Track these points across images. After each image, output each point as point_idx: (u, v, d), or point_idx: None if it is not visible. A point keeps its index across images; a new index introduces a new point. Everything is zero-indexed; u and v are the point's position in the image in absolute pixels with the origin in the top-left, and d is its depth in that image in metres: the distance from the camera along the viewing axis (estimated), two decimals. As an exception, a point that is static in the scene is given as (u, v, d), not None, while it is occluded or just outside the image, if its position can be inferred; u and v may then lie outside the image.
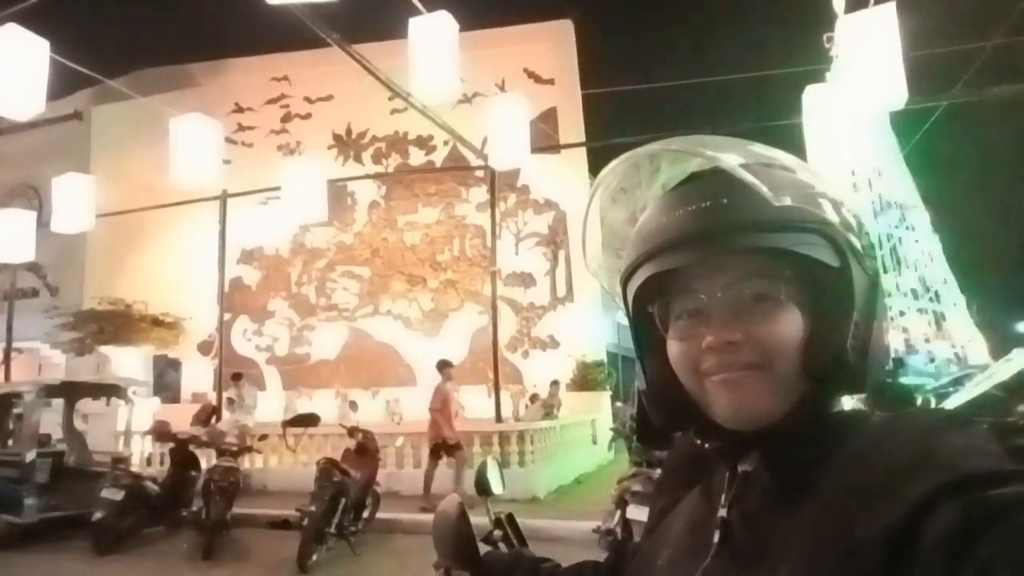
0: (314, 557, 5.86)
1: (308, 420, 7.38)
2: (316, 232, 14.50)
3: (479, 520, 1.10)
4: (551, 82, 14.70)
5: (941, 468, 0.49)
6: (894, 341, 9.43)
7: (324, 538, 6.01)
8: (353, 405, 11.01)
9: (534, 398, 11.20)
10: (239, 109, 15.76)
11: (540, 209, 14.15)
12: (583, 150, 14.32)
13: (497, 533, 1.21)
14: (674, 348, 0.67)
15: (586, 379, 12.63)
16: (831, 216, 0.63)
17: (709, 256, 0.63)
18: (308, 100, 15.53)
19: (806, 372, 0.62)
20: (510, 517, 1.27)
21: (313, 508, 6.01)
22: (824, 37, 9.98)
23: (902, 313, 9.75)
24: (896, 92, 4.72)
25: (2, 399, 7.79)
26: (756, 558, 0.59)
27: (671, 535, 0.76)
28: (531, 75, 14.74)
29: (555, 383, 11.46)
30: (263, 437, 7.91)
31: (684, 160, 0.70)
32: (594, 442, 12.02)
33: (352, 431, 7.06)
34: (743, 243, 0.61)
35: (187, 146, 7.17)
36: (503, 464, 8.47)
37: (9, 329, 12.74)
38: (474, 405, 12.28)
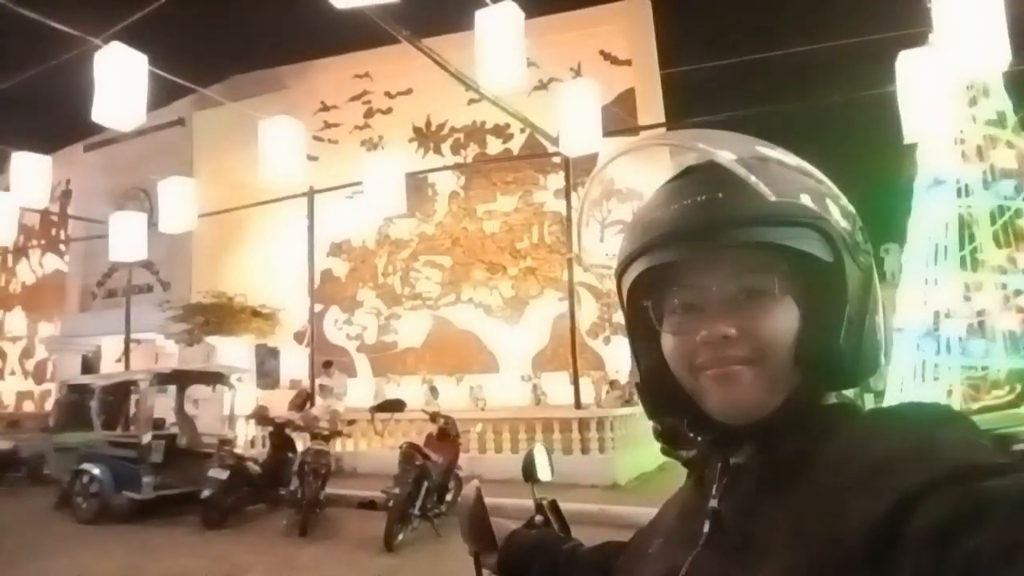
0: (400, 537, 6.13)
1: (394, 406, 7.70)
2: (399, 223, 14.92)
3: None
4: (628, 63, 14.41)
5: (933, 460, 0.50)
6: (1011, 322, 8.69)
7: (408, 519, 6.27)
8: (434, 391, 11.33)
9: (614, 384, 11.13)
10: (325, 107, 16.40)
11: (621, 195, 13.94)
12: (663, 132, 13.92)
13: (538, 518, 1.25)
14: (668, 342, 0.68)
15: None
16: (826, 211, 0.64)
17: (704, 251, 0.64)
18: (388, 95, 15.93)
19: (799, 366, 0.63)
20: (552, 503, 1.31)
21: (397, 490, 6.27)
22: (927, -1, 9.20)
23: (1019, 292, 8.94)
24: (997, 54, 4.32)
25: (121, 386, 8.55)
26: (745, 548, 0.59)
27: (664, 524, 0.77)
28: (607, 57, 14.50)
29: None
30: (351, 422, 8.29)
31: (681, 152, 0.71)
32: (678, 429, 11.77)
33: (434, 416, 7.29)
34: (738, 238, 0.62)
35: (274, 146, 7.56)
36: (584, 450, 8.52)
37: (127, 322, 13.95)
38: (556, 392, 12.35)
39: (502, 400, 12.53)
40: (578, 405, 9.56)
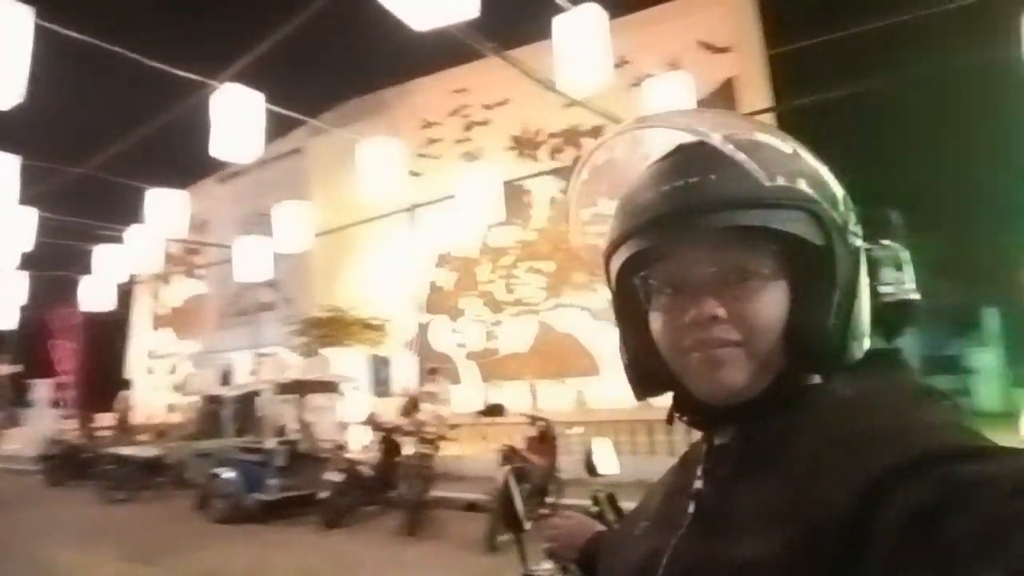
0: (501, 537, 6.22)
1: (495, 410, 7.87)
2: (500, 232, 15.17)
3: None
4: (727, 50, 13.87)
5: (911, 440, 0.50)
6: None
7: (511, 521, 6.35)
8: (536, 395, 11.38)
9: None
10: (427, 125, 17.01)
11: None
12: (770, 117, 13.30)
13: (593, 509, 1.27)
14: (657, 322, 0.68)
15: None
16: (817, 193, 0.63)
17: (696, 233, 0.64)
18: (486, 107, 16.28)
19: (787, 350, 0.63)
20: (610, 496, 1.33)
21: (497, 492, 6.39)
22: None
23: None
24: None
25: (248, 396, 9.29)
26: (728, 527, 0.59)
27: (650, 506, 0.78)
28: (706, 46, 14.03)
29: None
30: (455, 426, 8.52)
31: (670, 133, 0.71)
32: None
33: (533, 419, 7.37)
34: (731, 221, 0.62)
35: (373, 166, 7.97)
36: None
37: (254, 337, 15.19)
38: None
39: (606, 402, 12.39)
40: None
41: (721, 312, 0.62)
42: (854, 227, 0.65)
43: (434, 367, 11.63)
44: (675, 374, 0.67)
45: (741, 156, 0.60)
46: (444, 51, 14.18)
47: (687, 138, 0.67)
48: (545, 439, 7.12)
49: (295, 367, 14.92)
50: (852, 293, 0.63)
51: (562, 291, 14.66)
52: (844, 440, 0.53)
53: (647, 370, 0.71)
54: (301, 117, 10.61)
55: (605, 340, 13.72)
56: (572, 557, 1.06)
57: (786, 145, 0.66)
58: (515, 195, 13.90)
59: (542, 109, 14.81)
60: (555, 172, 14.99)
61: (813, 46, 11.96)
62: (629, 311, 0.72)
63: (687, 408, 0.70)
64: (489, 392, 13.75)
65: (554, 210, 15.18)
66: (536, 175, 14.29)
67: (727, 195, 0.61)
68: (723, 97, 12.99)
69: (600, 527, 1.09)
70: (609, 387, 13.01)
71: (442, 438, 8.24)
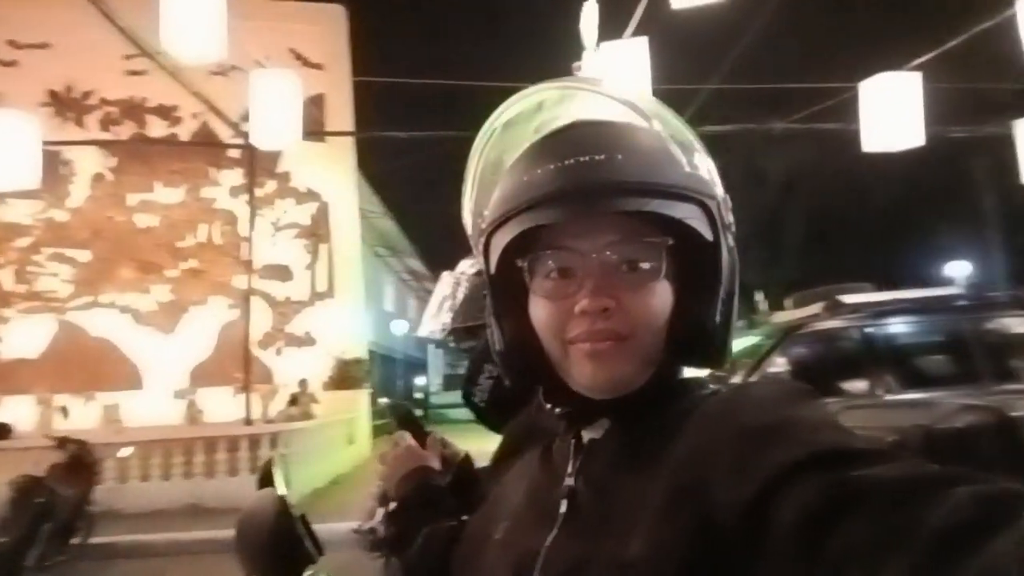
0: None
1: (-6, 432, 6.09)
2: (15, 204, 12.00)
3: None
4: (319, 67, 14.04)
5: (797, 440, 0.48)
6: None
7: (20, 574, 4.97)
8: (64, 411, 9.28)
9: (294, 400, 10.58)
10: (-94, 40, 12.46)
11: (302, 199, 13.40)
12: (351, 141, 13.94)
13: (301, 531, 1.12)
14: (541, 308, 0.63)
15: (345, 377, 12.24)
16: (717, 190, 0.63)
17: (597, 213, 0.59)
18: (14, 45, 12.78)
19: (671, 345, 0.61)
20: (303, 517, 1.20)
21: (4, 539, 4.93)
22: (573, 66, 10.87)
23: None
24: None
25: None
26: (606, 525, 0.56)
27: (506, 507, 0.71)
28: (298, 57, 13.90)
29: (303, 382, 11.05)
30: (-71, 455, 6.30)
31: (566, 102, 0.66)
32: (351, 442, 11.71)
33: (63, 442, 5.98)
34: (639, 206, 0.57)
35: None
36: (253, 469, 7.85)
37: None
38: (218, 409, 11.18)
39: (148, 420, 10.82)
40: (248, 421, 8.79)
41: (612, 303, 0.59)
42: (733, 225, 0.65)
43: None
44: (553, 363, 0.64)
45: (672, 144, 0.60)
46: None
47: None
48: (80, 465, 5.82)
49: None
50: (732, 293, 0.63)
51: (100, 287, 12.34)
52: (730, 437, 0.52)
53: (521, 358, 0.67)
54: None
55: (156, 348, 12.03)
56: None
57: (692, 134, 0.66)
58: (50, 163, 11.22)
59: (97, 69, 12.53)
60: (108, 145, 12.70)
61: (398, 89, 13.10)
62: (507, 294, 0.67)
63: (559, 400, 0.66)
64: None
65: (100, 189, 12.76)
66: (88, 142, 11.89)
67: (633, 178, 0.58)
68: (317, 106, 13.06)
69: (431, 463, 1.00)
70: (155, 402, 11.41)
71: (-97, 472, 5.98)
